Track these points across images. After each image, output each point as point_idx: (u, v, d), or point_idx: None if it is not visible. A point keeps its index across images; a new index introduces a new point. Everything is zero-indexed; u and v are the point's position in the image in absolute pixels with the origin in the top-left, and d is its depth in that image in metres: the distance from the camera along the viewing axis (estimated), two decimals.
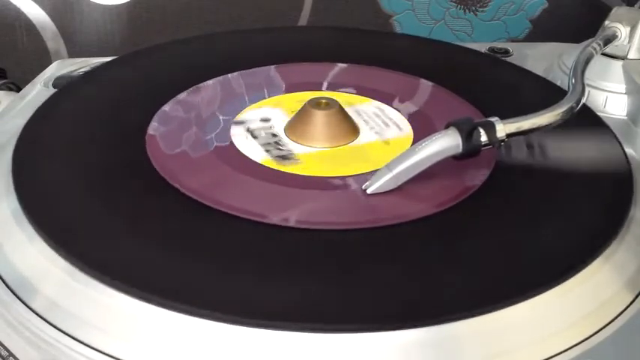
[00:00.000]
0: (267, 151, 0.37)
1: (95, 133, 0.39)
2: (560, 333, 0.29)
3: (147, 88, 0.43)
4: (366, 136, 0.39)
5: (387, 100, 0.42)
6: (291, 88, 0.44)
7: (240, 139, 0.38)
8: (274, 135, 0.39)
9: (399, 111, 0.41)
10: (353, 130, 0.39)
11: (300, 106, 0.39)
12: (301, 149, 0.38)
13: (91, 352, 0.28)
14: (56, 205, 0.33)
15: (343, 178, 0.35)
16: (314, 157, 0.37)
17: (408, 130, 0.40)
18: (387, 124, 0.40)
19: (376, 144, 0.38)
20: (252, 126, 0.40)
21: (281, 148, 0.38)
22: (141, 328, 0.28)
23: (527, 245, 0.32)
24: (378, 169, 0.35)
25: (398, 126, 0.40)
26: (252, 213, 0.33)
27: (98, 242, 0.31)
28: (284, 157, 0.37)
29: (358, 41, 0.51)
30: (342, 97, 0.41)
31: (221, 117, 0.40)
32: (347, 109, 0.40)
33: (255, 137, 0.38)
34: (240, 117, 0.40)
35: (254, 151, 0.37)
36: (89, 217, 0.33)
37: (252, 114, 0.41)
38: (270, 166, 0.36)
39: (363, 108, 0.41)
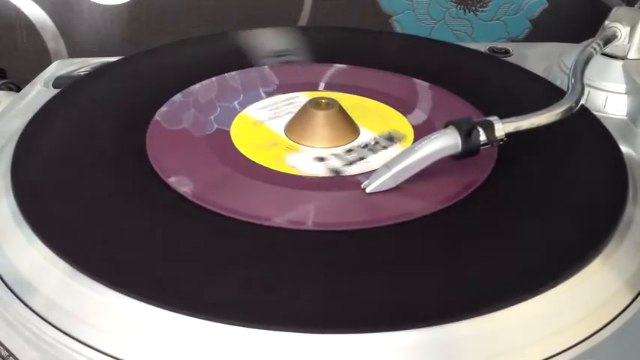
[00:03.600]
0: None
1: (95, 134, 0.39)
2: (560, 333, 0.29)
3: (147, 90, 0.43)
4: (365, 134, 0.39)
5: (387, 100, 0.42)
6: (290, 88, 0.44)
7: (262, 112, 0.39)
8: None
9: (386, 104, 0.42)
10: (353, 130, 0.39)
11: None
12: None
13: (91, 352, 0.28)
14: (55, 205, 0.33)
15: (343, 178, 0.35)
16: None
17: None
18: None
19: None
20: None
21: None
22: (140, 328, 0.28)
23: (527, 245, 0.32)
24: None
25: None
26: (251, 215, 0.32)
27: (97, 243, 0.31)
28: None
29: (358, 41, 0.51)
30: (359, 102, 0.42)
31: (222, 114, 0.40)
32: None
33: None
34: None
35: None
36: (88, 218, 0.33)
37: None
38: (249, 157, 0.37)
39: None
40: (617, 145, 0.38)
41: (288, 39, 0.51)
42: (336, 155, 0.37)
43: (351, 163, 0.37)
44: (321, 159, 0.37)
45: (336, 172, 0.36)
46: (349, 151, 0.38)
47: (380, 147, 0.38)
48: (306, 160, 0.37)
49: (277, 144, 0.38)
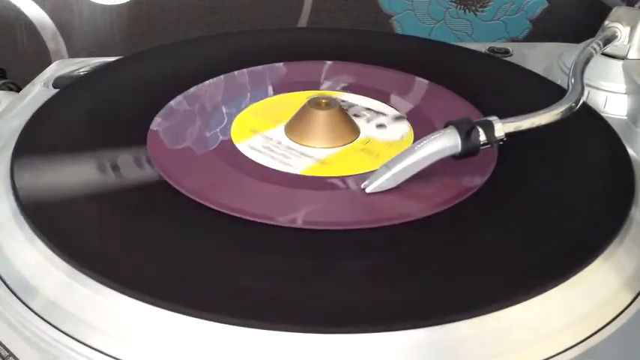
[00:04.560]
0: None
1: (95, 134, 0.39)
2: (560, 333, 0.29)
3: (147, 89, 0.43)
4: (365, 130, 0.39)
5: (387, 99, 0.42)
6: (290, 88, 0.44)
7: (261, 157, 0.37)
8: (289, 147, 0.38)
9: (386, 104, 0.42)
10: (353, 130, 0.39)
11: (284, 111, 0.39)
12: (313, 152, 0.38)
13: (91, 352, 0.28)
14: (56, 205, 0.33)
15: (343, 177, 0.36)
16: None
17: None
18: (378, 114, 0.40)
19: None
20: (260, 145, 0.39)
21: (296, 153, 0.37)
22: (140, 329, 0.28)
23: (527, 245, 0.32)
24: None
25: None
26: (252, 214, 0.32)
27: (97, 243, 0.31)
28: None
29: (358, 41, 0.51)
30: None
31: (225, 115, 0.40)
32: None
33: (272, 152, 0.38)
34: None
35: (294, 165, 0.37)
36: (88, 218, 0.33)
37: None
38: (313, 174, 0.36)
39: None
40: (622, 145, 0.38)
41: (287, 39, 0.51)
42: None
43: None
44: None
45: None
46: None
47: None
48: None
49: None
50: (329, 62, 0.47)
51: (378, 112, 0.39)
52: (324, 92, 0.43)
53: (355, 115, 0.40)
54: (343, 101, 0.39)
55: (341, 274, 0.30)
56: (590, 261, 0.31)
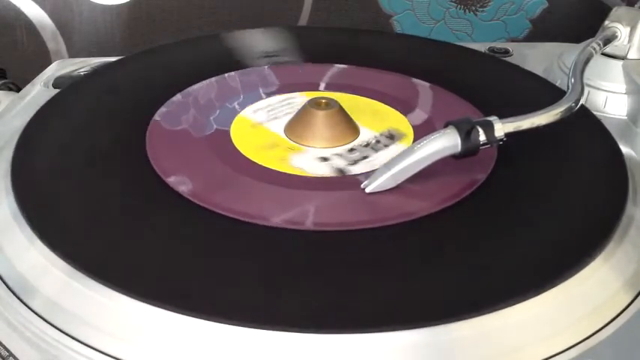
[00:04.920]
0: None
1: (95, 134, 0.39)
2: (560, 333, 0.29)
3: (146, 90, 0.43)
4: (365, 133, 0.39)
5: (387, 99, 0.42)
6: (290, 89, 0.44)
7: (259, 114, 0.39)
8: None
9: (386, 104, 0.42)
10: (353, 130, 0.39)
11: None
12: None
13: (91, 352, 0.28)
14: (56, 205, 0.33)
15: (341, 178, 0.35)
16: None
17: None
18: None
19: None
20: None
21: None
22: (140, 329, 0.28)
23: (527, 245, 0.32)
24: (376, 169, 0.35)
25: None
26: (252, 215, 0.33)
27: (97, 243, 0.31)
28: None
29: (358, 41, 0.51)
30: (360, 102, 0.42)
31: (222, 115, 0.41)
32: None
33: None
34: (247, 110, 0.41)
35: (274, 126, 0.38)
36: (88, 218, 0.33)
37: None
38: (249, 157, 0.37)
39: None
40: (617, 145, 0.38)
41: (287, 39, 0.51)
42: (339, 155, 0.37)
43: (355, 162, 0.37)
44: (325, 159, 0.37)
45: (341, 171, 0.36)
46: (351, 150, 0.38)
47: (382, 145, 0.38)
48: (310, 160, 0.37)
49: (278, 145, 0.38)
50: (329, 63, 0.47)
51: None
52: (323, 93, 0.43)
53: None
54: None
55: (341, 274, 0.30)
56: (589, 261, 0.31)
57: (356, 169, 0.36)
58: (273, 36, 0.52)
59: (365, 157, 0.37)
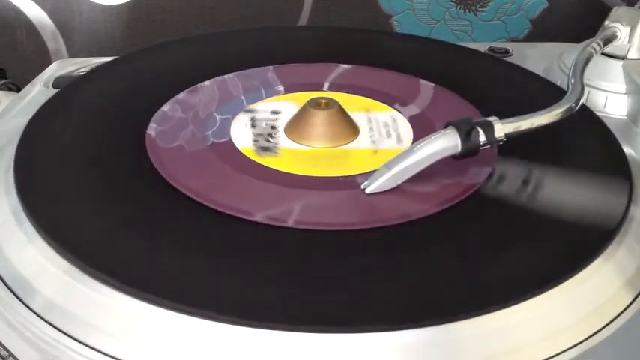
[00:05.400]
0: (255, 141, 0.38)
1: (95, 133, 0.39)
2: (560, 333, 0.29)
3: (148, 88, 0.43)
4: (361, 141, 0.39)
5: (387, 99, 0.42)
6: (290, 89, 0.44)
7: (238, 126, 0.39)
8: (273, 127, 0.39)
9: (403, 115, 0.41)
10: (353, 130, 0.39)
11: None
12: (289, 145, 0.38)
13: (91, 352, 0.28)
14: (56, 205, 0.33)
15: (343, 177, 0.36)
16: (296, 154, 0.37)
17: (407, 143, 0.39)
18: (389, 135, 0.39)
19: (365, 152, 0.38)
20: (259, 116, 0.40)
21: (270, 140, 0.38)
22: (140, 328, 0.28)
23: (527, 245, 0.32)
24: (374, 171, 0.35)
25: (399, 138, 0.39)
26: (252, 214, 0.33)
27: (98, 242, 0.31)
28: (265, 149, 0.37)
29: (358, 41, 0.51)
30: (360, 101, 0.42)
31: (218, 117, 0.40)
32: (360, 114, 0.40)
33: (253, 127, 0.39)
34: (252, 106, 0.41)
35: (243, 139, 0.38)
36: (89, 217, 0.33)
37: (265, 105, 0.41)
38: (248, 156, 0.37)
39: (376, 116, 0.41)
40: (618, 145, 0.38)
41: (287, 39, 0.51)
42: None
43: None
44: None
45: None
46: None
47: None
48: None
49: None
50: (328, 63, 0.47)
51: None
52: (323, 93, 0.43)
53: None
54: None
55: (341, 274, 0.30)
56: (590, 261, 0.31)
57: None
58: (273, 36, 0.52)
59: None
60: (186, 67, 0.46)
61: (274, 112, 0.41)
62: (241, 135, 0.38)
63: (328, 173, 0.36)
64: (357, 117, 0.40)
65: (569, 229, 0.33)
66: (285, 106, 0.41)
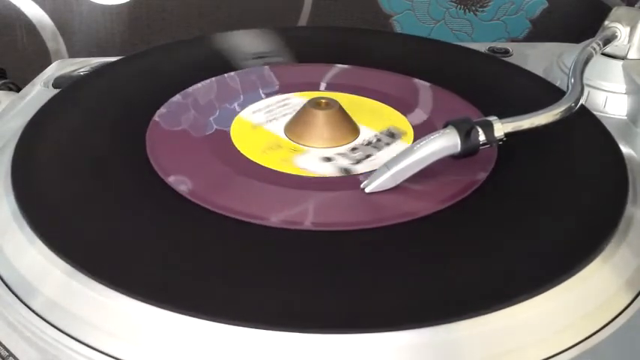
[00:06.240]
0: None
1: (95, 134, 0.39)
2: (560, 333, 0.29)
3: (146, 90, 0.43)
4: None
5: (387, 99, 0.42)
6: (290, 89, 0.44)
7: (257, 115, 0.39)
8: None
9: (386, 104, 0.42)
10: (353, 130, 0.39)
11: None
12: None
13: (91, 352, 0.28)
14: (56, 205, 0.33)
15: (340, 178, 0.36)
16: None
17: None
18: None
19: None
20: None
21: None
22: (140, 328, 0.28)
23: (527, 245, 0.32)
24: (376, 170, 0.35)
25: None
26: (252, 215, 0.33)
27: (97, 243, 0.31)
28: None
29: (358, 41, 0.51)
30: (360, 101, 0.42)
31: (222, 116, 0.41)
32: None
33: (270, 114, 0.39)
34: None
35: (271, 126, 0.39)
36: (88, 218, 0.33)
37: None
38: (250, 157, 0.37)
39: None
40: (617, 145, 0.38)
41: (287, 39, 0.51)
42: (342, 154, 0.37)
43: (358, 162, 0.37)
44: (328, 159, 0.37)
45: (346, 170, 0.36)
46: (354, 149, 0.38)
47: (383, 144, 0.38)
48: (314, 160, 0.37)
49: (281, 146, 0.38)
50: (328, 64, 0.47)
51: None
52: (322, 93, 0.43)
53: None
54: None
55: (341, 274, 0.30)
56: (589, 261, 0.31)
57: (360, 168, 0.36)
58: (272, 36, 0.52)
59: (368, 156, 0.37)
60: (186, 68, 0.46)
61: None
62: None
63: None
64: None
65: (569, 229, 0.33)
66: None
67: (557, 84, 0.45)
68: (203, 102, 0.42)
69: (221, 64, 0.46)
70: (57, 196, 0.34)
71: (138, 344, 0.28)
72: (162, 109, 0.41)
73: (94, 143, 0.38)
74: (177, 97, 0.42)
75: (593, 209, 0.34)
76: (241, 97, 0.43)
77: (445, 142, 0.34)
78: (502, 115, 0.35)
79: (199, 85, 0.44)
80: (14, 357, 0.28)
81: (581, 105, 0.38)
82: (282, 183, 0.35)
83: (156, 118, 0.40)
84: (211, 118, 0.40)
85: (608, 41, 0.44)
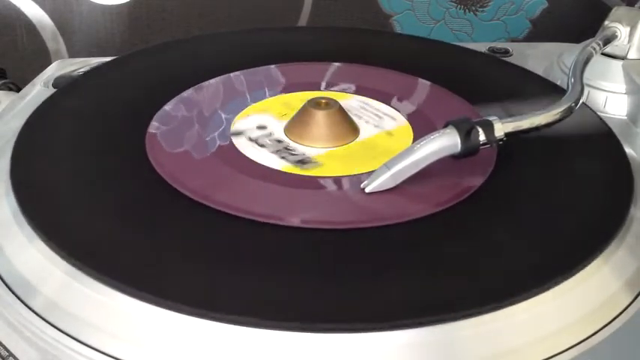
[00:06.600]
0: (283, 157, 0.37)
1: (94, 134, 0.39)
2: (560, 333, 0.29)
3: (146, 89, 0.43)
4: (366, 130, 0.39)
5: (387, 99, 0.42)
6: (289, 88, 0.44)
7: (249, 149, 0.37)
8: (279, 141, 0.38)
9: (386, 104, 0.42)
10: (353, 129, 0.39)
11: (287, 108, 0.39)
12: (312, 151, 0.37)
13: (91, 352, 0.28)
14: (55, 205, 0.33)
15: (341, 177, 0.36)
16: (328, 157, 0.37)
17: (402, 119, 0.40)
18: (379, 117, 0.40)
19: (380, 136, 0.39)
20: (253, 135, 0.39)
21: (294, 153, 0.37)
22: (140, 328, 0.28)
23: (527, 245, 0.32)
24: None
25: (391, 116, 0.41)
26: (253, 214, 0.33)
27: (97, 242, 0.31)
28: (302, 162, 0.37)
29: (358, 41, 0.51)
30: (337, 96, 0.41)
31: (223, 115, 0.40)
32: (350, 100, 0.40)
33: (262, 146, 0.38)
34: (234, 127, 0.40)
35: (269, 160, 0.37)
36: (89, 217, 0.33)
37: (245, 123, 0.40)
38: (292, 172, 0.36)
39: (348, 103, 0.41)
40: (620, 145, 0.38)
41: (287, 39, 0.51)
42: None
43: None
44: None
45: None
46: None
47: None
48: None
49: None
50: (328, 63, 0.47)
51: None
52: (322, 93, 0.43)
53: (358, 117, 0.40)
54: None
55: (340, 274, 0.30)
56: (589, 261, 0.31)
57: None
58: (271, 36, 0.52)
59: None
60: (185, 69, 0.46)
61: (260, 127, 0.40)
62: (261, 156, 0.37)
63: (372, 167, 0.35)
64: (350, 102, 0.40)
65: (569, 229, 0.33)
66: (263, 119, 0.40)
67: (558, 84, 0.45)
68: (204, 102, 0.42)
69: (221, 64, 0.46)
70: (57, 196, 0.34)
71: (138, 344, 0.28)
72: (163, 108, 0.41)
73: (93, 142, 0.38)
74: (178, 96, 0.42)
75: (593, 209, 0.34)
76: (241, 97, 0.43)
77: (445, 141, 0.34)
78: (502, 115, 0.35)
79: (200, 85, 0.44)
80: (14, 357, 0.28)
81: (583, 104, 0.37)
82: (281, 182, 0.35)
83: (156, 116, 0.40)
84: (211, 118, 0.40)
85: (608, 41, 0.44)
